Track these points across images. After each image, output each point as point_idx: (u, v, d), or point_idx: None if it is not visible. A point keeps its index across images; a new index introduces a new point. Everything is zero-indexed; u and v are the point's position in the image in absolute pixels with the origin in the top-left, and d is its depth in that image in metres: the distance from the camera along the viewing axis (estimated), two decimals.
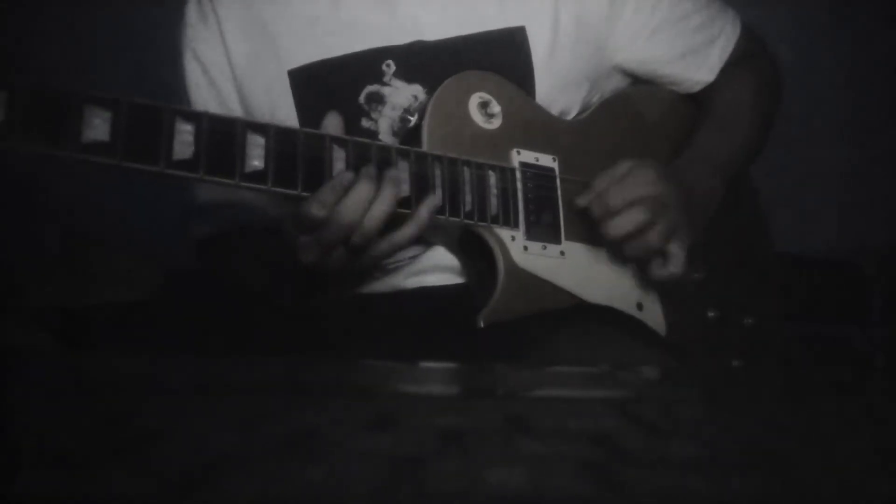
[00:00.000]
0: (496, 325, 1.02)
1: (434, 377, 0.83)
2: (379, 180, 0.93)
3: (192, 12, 1.20)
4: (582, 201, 1.09)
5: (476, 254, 1.08)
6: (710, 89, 1.29)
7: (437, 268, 1.14)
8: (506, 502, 0.45)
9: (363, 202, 0.92)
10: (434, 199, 0.98)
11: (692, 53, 1.26)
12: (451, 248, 1.13)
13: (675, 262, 1.09)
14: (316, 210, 0.91)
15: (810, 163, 2.09)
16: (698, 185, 1.17)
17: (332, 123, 0.97)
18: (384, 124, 1.12)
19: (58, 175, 1.97)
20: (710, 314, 1.23)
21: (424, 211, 0.96)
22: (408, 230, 0.96)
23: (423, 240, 1.14)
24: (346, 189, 0.91)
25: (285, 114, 1.10)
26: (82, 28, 1.89)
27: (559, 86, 1.17)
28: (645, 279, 1.16)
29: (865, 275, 1.99)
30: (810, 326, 1.82)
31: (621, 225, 1.05)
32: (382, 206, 0.92)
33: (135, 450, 0.50)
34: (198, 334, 1.01)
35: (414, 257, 1.15)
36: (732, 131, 1.26)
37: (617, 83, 1.27)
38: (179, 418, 0.58)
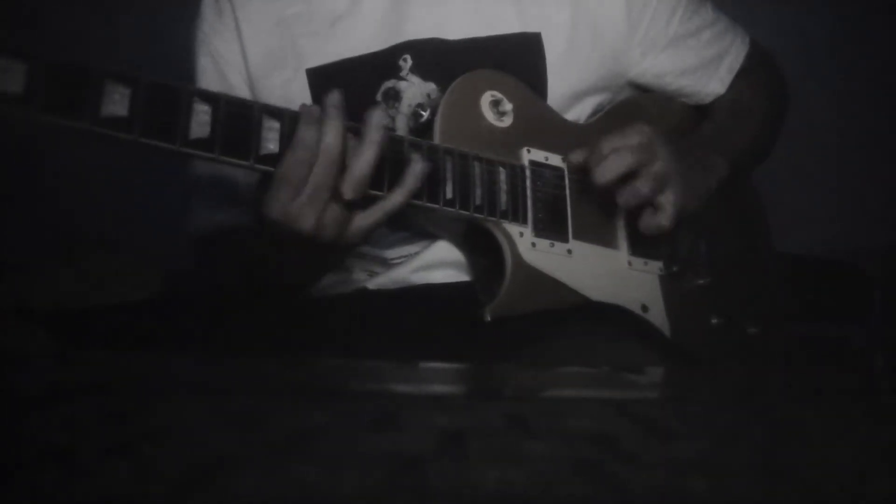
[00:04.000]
0: (502, 321, 1.03)
1: (434, 377, 0.83)
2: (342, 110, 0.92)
3: (208, 7, 1.20)
4: (577, 157, 1.10)
5: (483, 249, 1.09)
6: (719, 100, 1.31)
7: (443, 263, 1.15)
8: (506, 502, 0.45)
9: (339, 133, 0.90)
10: (421, 165, 0.96)
11: (703, 66, 1.29)
12: (457, 243, 1.14)
13: (664, 215, 1.09)
14: (299, 150, 0.89)
15: (810, 163, 2.09)
16: (698, 151, 1.17)
17: (376, 116, 0.95)
18: (401, 122, 1.13)
19: (58, 175, 1.98)
20: (714, 321, 1.24)
21: (412, 175, 0.95)
22: (396, 196, 0.94)
23: (428, 234, 1.14)
24: (319, 122, 0.90)
25: None
26: (96, 19, 1.90)
27: (571, 94, 1.18)
28: (651, 282, 1.17)
29: (866, 275, 1.99)
30: (810, 326, 1.82)
31: (608, 168, 1.05)
32: (368, 152, 0.91)
33: (135, 450, 0.50)
34: (198, 334, 1.01)
35: (416, 253, 1.16)
36: (738, 126, 1.28)
37: (627, 95, 1.29)
38: (179, 418, 0.58)
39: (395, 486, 0.45)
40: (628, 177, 1.06)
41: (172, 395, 0.64)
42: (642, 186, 1.06)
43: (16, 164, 1.84)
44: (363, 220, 0.95)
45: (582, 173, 1.12)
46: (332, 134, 0.90)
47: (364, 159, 0.91)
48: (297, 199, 0.91)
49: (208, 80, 1.19)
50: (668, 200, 1.09)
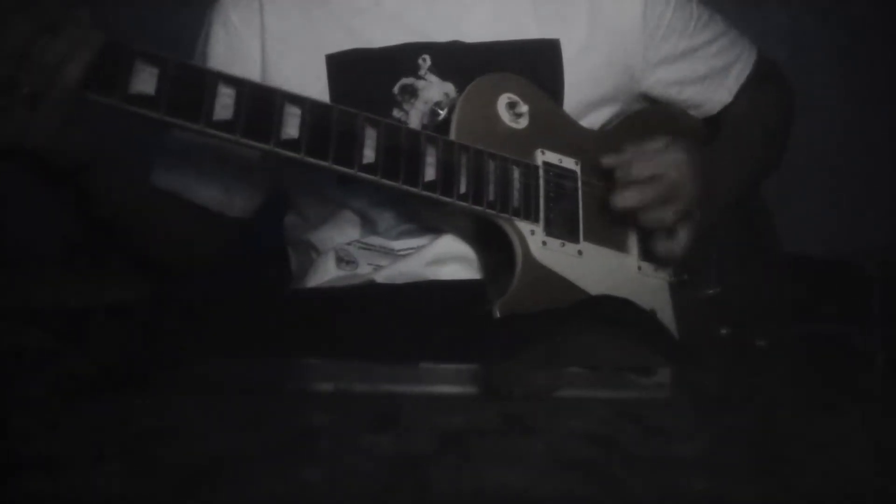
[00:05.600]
0: (510, 317, 1.03)
1: (435, 377, 0.83)
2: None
3: None
4: (609, 161, 1.11)
5: (494, 245, 1.09)
6: (728, 109, 1.32)
7: (451, 257, 1.15)
8: (506, 502, 0.45)
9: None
10: None
11: (711, 76, 1.30)
12: (467, 239, 1.14)
13: (678, 243, 1.12)
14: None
15: (811, 163, 2.09)
16: (717, 172, 1.19)
17: None
18: (414, 116, 1.13)
19: (57, 173, 1.97)
20: (723, 331, 1.24)
21: None
22: None
23: (437, 228, 1.14)
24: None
25: (316, 96, 1.10)
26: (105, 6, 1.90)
27: (586, 102, 1.19)
28: (660, 287, 1.17)
29: (866, 275, 1.99)
30: (811, 326, 1.82)
31: (632, 196, 1.08)
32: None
33: (135, 450, 0.50)
34: (198, 334, 1.01)
35: (424, 246, 1.15)
36: (749, 142, 1.30)
37: (639, 107, 1.30)
38: (179, 418, 0.58)
39: (396, 487, 0.45)
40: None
41: (173, 395, 0.64)
42: (660, 219, 1.10)
43: (14, 162, 1.84)
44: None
45: (596, 177, 1.14)
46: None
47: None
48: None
49: (217, 50, 1.19)
50: (684, 232, 1.12)
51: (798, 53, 2.00)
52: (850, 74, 2.20)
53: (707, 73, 1.29)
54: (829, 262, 1.99)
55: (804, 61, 2.01)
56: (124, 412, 0.58)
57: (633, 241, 1.18)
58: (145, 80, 0.87)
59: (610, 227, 1.14)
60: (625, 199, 1.08)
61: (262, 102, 0.93)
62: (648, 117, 1.29)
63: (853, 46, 2.20)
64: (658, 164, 1.09)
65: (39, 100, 0.86)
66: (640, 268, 1.17)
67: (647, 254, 1.18)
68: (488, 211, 1.05)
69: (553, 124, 1.15)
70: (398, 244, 1.17)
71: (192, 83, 0.89)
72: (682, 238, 1.12)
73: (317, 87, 1.13)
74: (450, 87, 1.14)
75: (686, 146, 1.13)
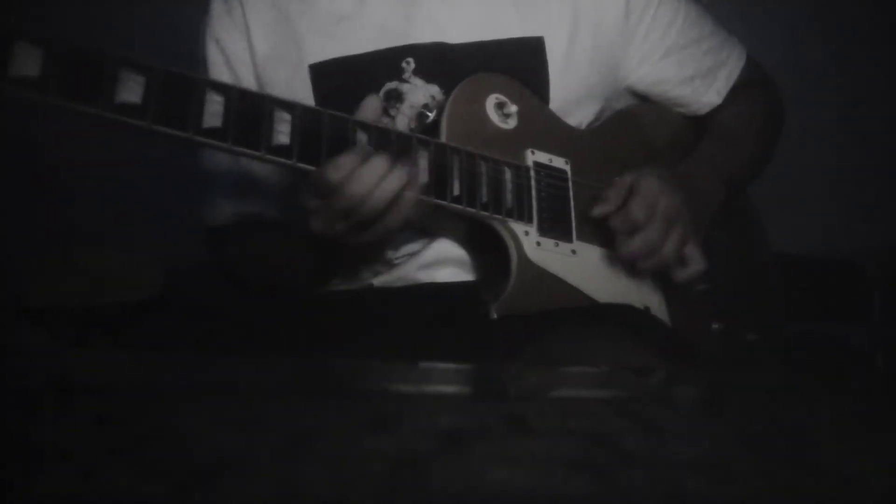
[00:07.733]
0: (507, 319, 1.03)
1: (435, 377, 0.83)
2: (395, 162, 0.94)
3: (217, 3, 1.21)
4: (600, 211, 1.11)
5: (488, 247, 1.09)
6: (716, 111, 1.32)
7: (446, 261, 1.15)
8: (506, 502, 0.45)
9: (376, 176, 0.92)
10: (420, 176, 0.98)
11: (701, 76, 1.30)
12: (461, 242, 1.14)
13: (695, 261, 1.13)
14: (331, 173, 0.91)
15: (810, 163, 2.09)
16: (701, 186, 1.20)
17: (371, 106, 0.98)
18: (401, 121, 1.13)
19: (57, 173, 1.98)
20: (715, 326, 1.24)
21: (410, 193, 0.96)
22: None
23: (430, 233, 1.14)
24: (364, 160, 0.92)
25: None
26: (105, 11, 1.90)
27: (572, 99, 1.19)
28: (653, 284, 1.18)
29: (866, 275, 1.99)
30: (811, 327, 1.82)
31: (639, 242, 1.08)
32: (392, 183, 0.92)
33: (135, 450, 0.50)
34: (199, 334, 1.01)
35: (418, 251, 1.15)
36: (735, 144, 1.29)
37: (626, 103, 1.30)
38: (179, 418, 0.58)
39: (396, 486, 0.45)
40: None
41: (173, 396, 0.64)
42: (669, 255, 1.10)
43: (15, 163, 1.84)
44: (373, 231, 0.96)
45: (586, 176, 1.14)
46: (368, 171, 0.91)
47: (386, 189, 0.93)
48: (314, 201, 0.93)
49: (218, 74, 1.19)
50: (692, 250, 1.12)
51: (797, 54, 2.00)
52: (849, 74, 2.20)
53: (695, 73, 1.29)
54: (829, 262, 1.99)
55: (803, 61, 2.01)
56: (124, 412, 0.58)
57: None
58: (131, 89, 0.84)
59: (601, 225, 1.14)
60: (632, 246, 1.08)
61: (251, 109, 0.91)
62: (634, 114, 1.29)
63: (852, 46, 2.20)
64: (648, 199, 1.09)
65: (363, 226, 0.95)
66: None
67: None
68: (482, 213, 1.04)
69: (542, 124, 1.15)
70: (391, 252, 1.16)
71: (179, 91, 0.87)
72: (695, 253, 1.12)
73: (303, 99, 1.12)
74: (435, 89, 1.14)
75: (652, 171, 1.12)
